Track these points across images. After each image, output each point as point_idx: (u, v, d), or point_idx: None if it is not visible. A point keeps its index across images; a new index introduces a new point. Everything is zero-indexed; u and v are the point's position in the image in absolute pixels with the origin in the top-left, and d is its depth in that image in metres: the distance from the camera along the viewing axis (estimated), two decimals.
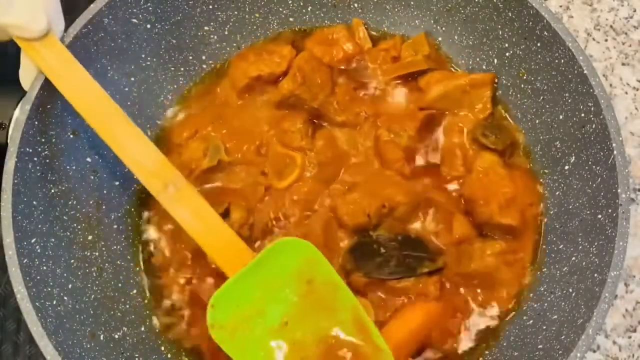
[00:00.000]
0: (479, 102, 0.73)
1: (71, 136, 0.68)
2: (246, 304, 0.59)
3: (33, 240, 0.62)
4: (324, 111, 0.73)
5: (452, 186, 0.71)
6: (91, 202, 0.70)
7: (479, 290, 0.67)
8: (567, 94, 0.67)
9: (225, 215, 0.68)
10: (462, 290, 0.68)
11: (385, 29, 0.78)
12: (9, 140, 0.63)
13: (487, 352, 0.66)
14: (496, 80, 0.74)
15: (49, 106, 0.65)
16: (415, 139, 0.71)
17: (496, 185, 0.68)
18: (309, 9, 0.78)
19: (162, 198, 0.61)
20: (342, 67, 0.76)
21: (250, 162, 0.73)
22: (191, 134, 0.74)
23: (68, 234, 0.66)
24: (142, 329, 0.68)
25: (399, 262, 0.67)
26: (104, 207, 0.71)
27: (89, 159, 0.70)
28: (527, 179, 0.71)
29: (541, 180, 0.71)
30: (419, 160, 0.72)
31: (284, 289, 0.60)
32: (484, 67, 0.75)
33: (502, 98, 0.74)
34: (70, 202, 0.67)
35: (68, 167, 0.68)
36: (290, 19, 0.78)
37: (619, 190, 0.60)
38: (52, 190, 0.66)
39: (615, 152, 0.61)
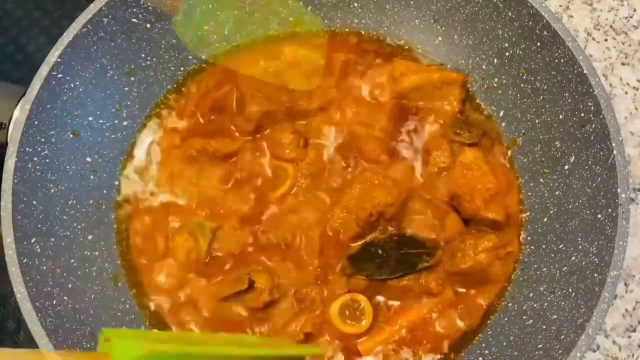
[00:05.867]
0: (449, 98, 0.74)
1: (71, 136, 0.68)
2: None
3: (33, 240, 0.62)
4: (297, 106, 0.73)
5: (438, 180, 0.72)
6: (91, 202, 0.70)
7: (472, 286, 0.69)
8: (567, 94, 0.67)
9: (250, 287, 0.67)
10: (457, 287, 0.68)
11: (385, 28, 0.78)
12: (9, 140, 0.63)
13: (487, 351, 0.66)
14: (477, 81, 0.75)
15: (48, 106, 0.65)
16: (388, 128, 0.72)
17: (480, 180, 0.69)
18: (308, 9, 0.78)
19: None
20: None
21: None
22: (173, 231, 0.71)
23: (68, 234, 0.66)
24: (142, 328, 0.67)
25: (398, 261, 0.67)
26: (104, 207, 0.71)
27: (89, 159, 0.70)
28: (507, 175, 0.72)
29: (521, 177, 0.72)
30: (400, 149, 0.73)
31: None
32: (483, 66, 0.75)
33: (501, 97, 0.74)
34: (70, 202, 0.67)
35: (68, 167, 0.68)
36: (290, 19, 0.78)
37: (618, 190, 0.60)
38: (52, 190, 0.66)
39: (615, 152, 0.61)
